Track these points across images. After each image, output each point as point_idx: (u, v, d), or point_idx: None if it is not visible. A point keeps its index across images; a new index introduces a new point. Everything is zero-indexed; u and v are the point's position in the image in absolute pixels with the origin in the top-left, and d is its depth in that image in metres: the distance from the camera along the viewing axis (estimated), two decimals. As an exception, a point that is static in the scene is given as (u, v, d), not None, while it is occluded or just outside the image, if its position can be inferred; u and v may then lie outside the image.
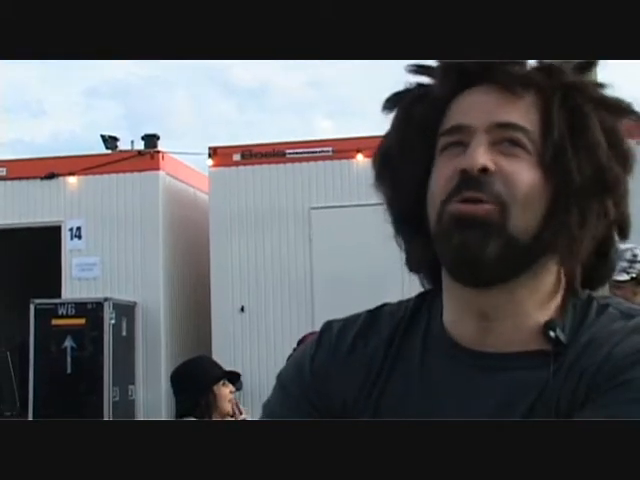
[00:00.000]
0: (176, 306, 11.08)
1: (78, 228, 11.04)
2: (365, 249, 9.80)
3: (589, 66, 1.17)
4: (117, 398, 10.16)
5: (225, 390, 4.00)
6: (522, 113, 1.11)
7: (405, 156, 1.16)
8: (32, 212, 11.12)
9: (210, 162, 10.82)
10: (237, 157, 10.76)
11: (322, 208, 10.45)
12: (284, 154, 10.67)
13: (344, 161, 10.45)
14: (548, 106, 1.11)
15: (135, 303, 10.78)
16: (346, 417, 1.17)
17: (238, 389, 4.26)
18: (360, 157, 10.24)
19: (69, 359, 10.12)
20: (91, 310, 10.24)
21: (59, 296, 10.79)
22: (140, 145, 11.55)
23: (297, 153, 10.65)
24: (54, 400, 9.87)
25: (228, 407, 4.00)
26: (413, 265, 1.20)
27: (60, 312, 10.25)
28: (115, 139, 11.82)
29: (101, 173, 11.02)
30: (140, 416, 10.53)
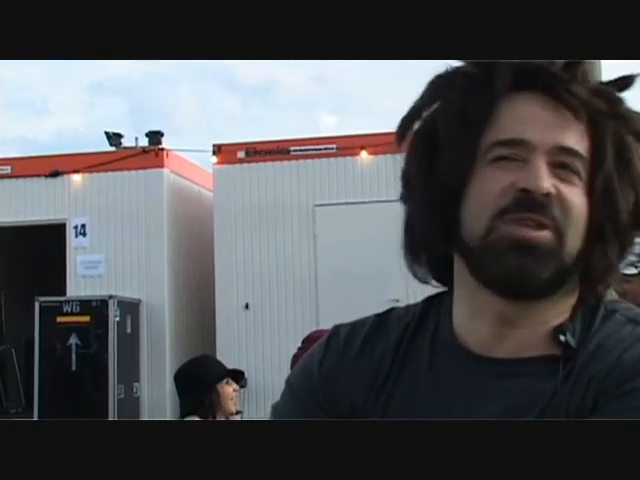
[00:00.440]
0: (180, 303, 11.09)
1: (83, 226, 11.05)
2: (369, 246, 9.80)
3: (631, 83, 1.15)
4: (122, 395, 10.18)
5: (229, 389, 4.00)
6: (579, 137, 1.10)
7: (452, 151, 1.12)
8: (37, 210, 11.15)
9: (214, 159, 10.83)
10: (241, 154, 10.77)
11: (326, 205, 10.45)
12: (288, 151, 10.68)
13: (348, 158, 10.45)
14: (601, 135, 1.11)
15: (140, 301, 10.80)
16: (355, 418, 1.17)
17: (242, 386, 4.26)
18: (364, 154, 10.24)
19: (74, 356, 10.14)
20: (96, 308, 10.26)
21: (64, 294, 10.81)
22: (144, 142, 11.57)
23: (301, 150, 10.66)
24: (59, 397, 9.90)
25: (232, 406, 4.00)
26: (415, 251, 1.18)
27: (65, 310, 10.27)
28: (119, 136, 11.84)
29: (105, 171, 11.04)
30: (145, 413, 10.55)
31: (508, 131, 1.10)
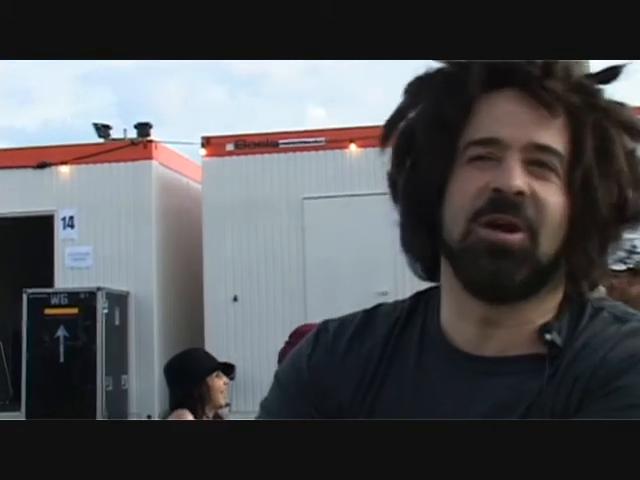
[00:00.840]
0: (169, 295, 11.08)
1: (71, 217, 11.02)
2: (358, 239, 9.81)
3: (615, 75, 1.14)
4: (110, 387, 10.16)
5: (219, 382, 4.00)
6: (556, 134, 1.09)
7: (429, 154, 1.12)
8: (24, 201, 11.09)
9: (203, 152, 10.80)
10: (230, 147, 10.75)
11: (315, 198, 10.45)
12: (277, 144, 10.66)
13: (337, 151, 10.45)
14: (580, 130, 1.10)
15: (128, 292, 10.77)
16: (342, 417, 1.17)
17: (231, 379, 4.26)
18: (353, 147, 10.24)
19: (62, 348, 10.11)
20: (84, 299, 10.23)
21: (52, 286, 10.78)
22: (132, 133, 11.53)
23: (290, 143, 10.64)
24: (47, 389, 9.87)
25: (221, 399, 4.00)
26: (407, 249, 1.19)
27: (53, 301, 10.24)
28: (107, 127, 11.80)
29: (94, 162, 10.99)
30: (133, 406, 10.54)
31: (483, 130, 1.10)
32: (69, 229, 11.03)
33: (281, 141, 10.67)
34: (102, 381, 10.03)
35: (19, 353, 10.38)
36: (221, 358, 4.37)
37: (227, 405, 4.16)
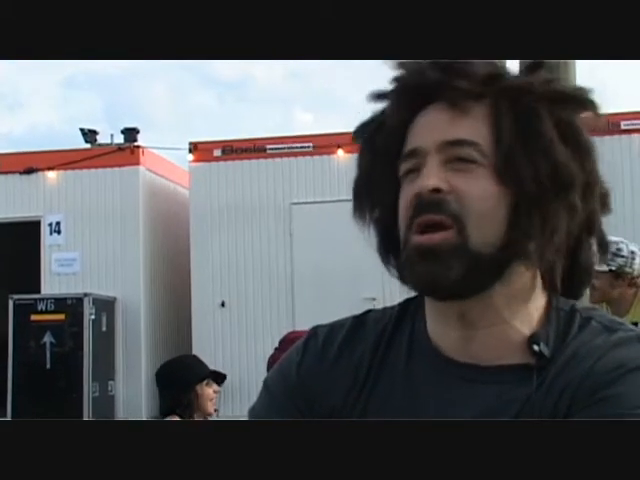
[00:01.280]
0: (156, 301, 11.05)
1: (57, 223, 10.98)
2: (345, 244, 9.78)
3: (538, 66, 1.16)
4: (97, 394, 10.12)
5: (208, 390, 3.99)
6: (471, 127, 1.11)
7: (375, 186, 1.17)
8: (11, 207, 11.05)
9: (190, 157, 10.79)
10: (218, 152, 10.74)
11: (303, 203, 10.45)
12: (265, 150, 10.66)
13: (325, 157, 10.45)
14: (497, 115, 1.11)
15: (115, 298, 10.74)
16: None
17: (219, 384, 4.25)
18: (340, 153, 10.24)
19: (48, 355, 10.07)
20: (71, 305, 10.19)
21: (38, 291, 10.72)
22: (120, 138, 11.51)
23: (278, 149, 10.64)
24: (33, 395, 9.82)
25: (210, 407, 3.98)
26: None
27: (39, 307, 10.19)
28: (94, 132, 11.78)
29: (81, 168, 10.96)
30: (120, 412, 10.50)
31: (408, 145, 1.14)
32: (56, 235, 10.99)
33: (268, 147, 10.67)
34: (89, 387, 9.99)
35: (5, 359, 10.32)
36: (209, 363, 4.36)
37: (216, 411, 4.15)
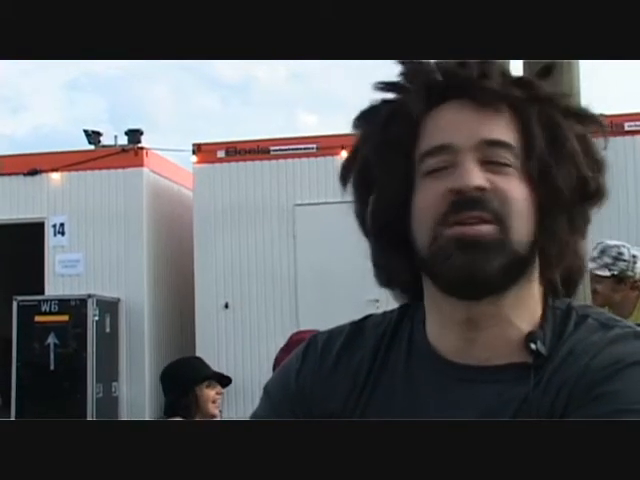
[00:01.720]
0: (160, 303, 11.06)
1: (61, 224, 11.00)
2: (349, 246, 9.77)
3: (549, 69, 1.17)
4: (100, 395, 10.13)
5: (209, 392, 3.98)
6: (504, 129, 1.12)
7: (386, 176, 1.15)
8: (15, 208, 11.07)
9: (194, 159, 10.80)
10: (221, 154, 10.75)
11: (306, 205, 10.45)
12: (268, 151, 10.67)
13: (328, 158, 10.44)
14: (526, 121, 1.12)
15: (119, 300, 10.75)
16: None
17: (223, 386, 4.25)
18: (344, 154, 10.23)
19: (52, 356, 10.08)
20: (74, 307, 10.20)
21: (42, 293, 10.74)
22: (123, 140, 11.52)
23: (281, 150, 10.65)
24: (37, 397, 9.84)
25: (212, 409, 3.97)
26: (386, 281, 1.21)
27: (43, 309, 10.21)
28: (98, 134, 11.79)
29: (84, 169, 10.98)
30: (123, 413, 10.51)
31: (432, 140, 1.13)
32: (59, 236, 11.01)
33: (272, 148, 10.67)
34: (92, 388, 10.00)
35: (9, 360, 10.34)
36: (212, 365, 4.36)
37: (220, 413, 4.15)
